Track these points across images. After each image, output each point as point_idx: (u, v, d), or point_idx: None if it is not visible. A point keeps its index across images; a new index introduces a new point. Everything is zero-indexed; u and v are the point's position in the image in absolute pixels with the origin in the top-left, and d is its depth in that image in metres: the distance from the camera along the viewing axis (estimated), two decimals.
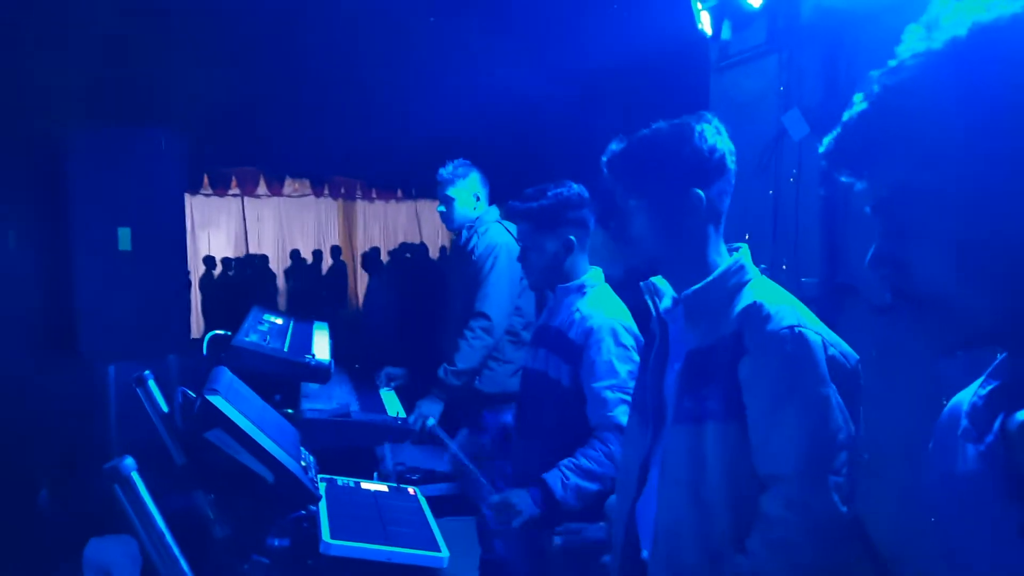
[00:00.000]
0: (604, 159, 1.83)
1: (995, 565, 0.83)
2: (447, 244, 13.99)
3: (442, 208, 3.87)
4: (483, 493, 2.65)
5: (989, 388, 0.91)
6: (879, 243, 0.90)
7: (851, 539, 1.58)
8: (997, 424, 0.87)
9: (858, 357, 1.62)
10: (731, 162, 1.76)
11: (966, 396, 0.97)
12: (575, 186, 2.60)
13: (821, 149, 0.94)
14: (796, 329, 1.59)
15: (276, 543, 1.89)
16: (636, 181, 1.78)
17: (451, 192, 3.77)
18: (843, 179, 0.94)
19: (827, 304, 2.67)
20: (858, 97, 0.90)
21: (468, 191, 3.77)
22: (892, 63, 0.88)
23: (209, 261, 13.88)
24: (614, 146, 1.82)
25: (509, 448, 2.95)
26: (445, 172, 3.80)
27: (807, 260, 2.81)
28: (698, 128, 1.73)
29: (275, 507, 1.90)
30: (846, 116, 0.92)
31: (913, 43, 0.87)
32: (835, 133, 0.93)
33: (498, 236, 3.66)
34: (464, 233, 3.77)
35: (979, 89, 0.81)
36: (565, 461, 2.38)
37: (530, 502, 2.36)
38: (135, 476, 1.34)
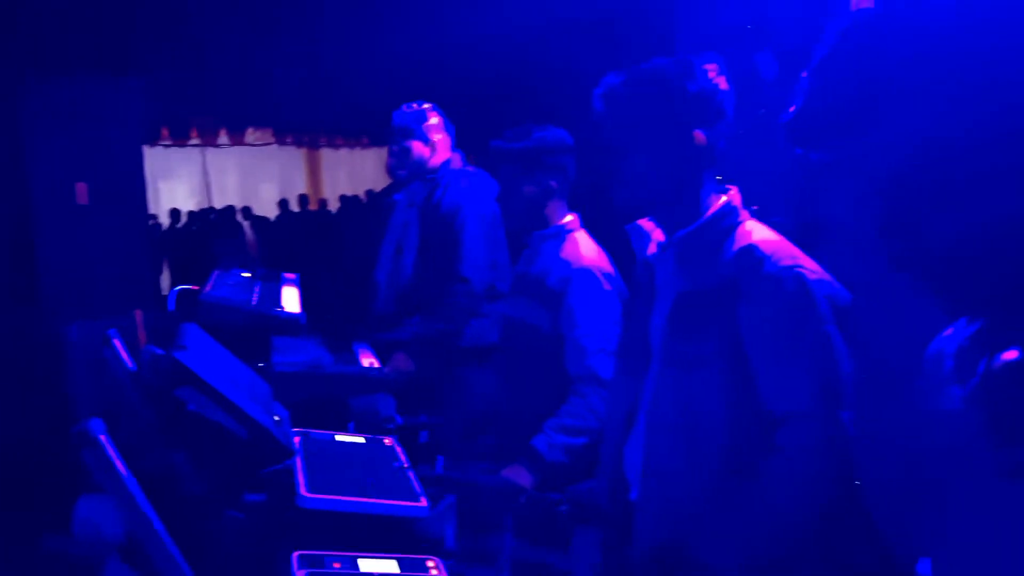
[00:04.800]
0: (600, 92, 1.76)
1: (977, 506, 0.84)
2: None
3: (393, 157, 3.76)
4: (480, 490, 2.60)
5: (973, 330, 0.90)
6: (888, 211, 0.80)
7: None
8: (981, 367, 0.85)
9: (850, 296, 1.63)
10: (730, 104, 1.72)
11: (952, 336, 0.96)
12: (558, 130, 2.55)
13: (786, 122, 0.83)
14: (794, 270, 1.60)
15: (252, 498, 1.87)
16: (637, 117, 1.72)
17: (412, 139, 3.61)
18: (813, 154, 0.83)
19: (800, 243, 2.66)
20: (827, 43, 0.79)
21: (429, 136, 3.61)
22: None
23: (174, 214, 13.65)
24: (612, 79, 1.75)
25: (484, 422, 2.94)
26: (404, 116, 3.63)
27: (778, 199, 2.80)
28: (702, 67, 1.69)
29: (249, 463, 1.88)
30: (818, 73, 0.79)
31: None
32: (812, 98, 0.80)
33: (464, 190, 3.52)
34: (427, 183, 3.66)
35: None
36: (549, 421, 2.38)
37: (525, 473, 2.36)
38: (104, 439, 1.31)
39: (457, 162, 3.65)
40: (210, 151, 14.96)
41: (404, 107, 3.67)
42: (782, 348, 1.58)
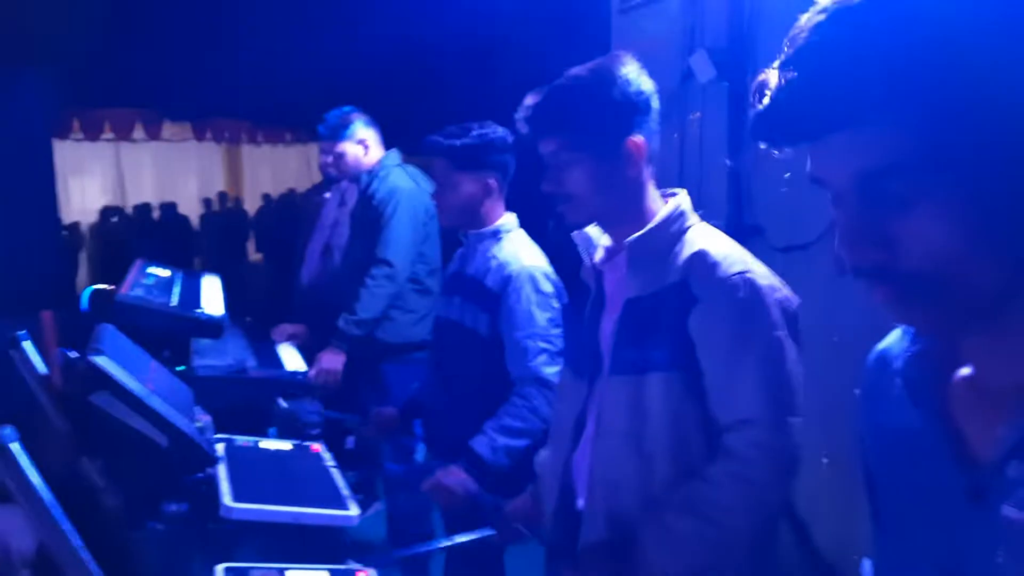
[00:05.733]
0: (523, 116, 1.74)
1: (938, 527, 0.81)
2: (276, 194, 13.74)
3: (327, 163, 3.78)
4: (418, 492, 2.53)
5: (921, 346, 0.86)
6: (858, 222, 0.75)
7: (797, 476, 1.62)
8: (935, 384, 0.83)
9: (799, 300, 1.64)
10: (655, 101, 1.71)
11: (894, 348, 0.92)
12: (500, 129, 2.51)
13: (759, 114, 0.77)
14: (746, 275, 1.60)
15: (173, 509, 1.80)
16: (568, 135, 1.69)
17: (338, 147, 3.67)
18: (776, 149, 0.78)
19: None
20: (806, 33, 0.73)
21: (354, 141, 3.67)
22: None
23: (96, 212, 13.17)
24: (533, 100, 1.74)
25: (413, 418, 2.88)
26: (326, 128, 3.70)
27: (713, 202, 2.83)
28: (621, 71, 1.67)
29: (170, 471, 1.81)
30: (792, 64, 0.73)
31: None
32: (785, 90, 0.74)
33: (399, 181, 3.57)
34: (364, 179, 3.67)
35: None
36: (490, 423, 2.34)
37: (464, 476, 2.30)
38: (15, 447, 1.23)
39: (394, 158, 3.67)
40: (124, 146, 14.47)
41: (327, 116, 3.72)
42: (733, 355, 1.58)
